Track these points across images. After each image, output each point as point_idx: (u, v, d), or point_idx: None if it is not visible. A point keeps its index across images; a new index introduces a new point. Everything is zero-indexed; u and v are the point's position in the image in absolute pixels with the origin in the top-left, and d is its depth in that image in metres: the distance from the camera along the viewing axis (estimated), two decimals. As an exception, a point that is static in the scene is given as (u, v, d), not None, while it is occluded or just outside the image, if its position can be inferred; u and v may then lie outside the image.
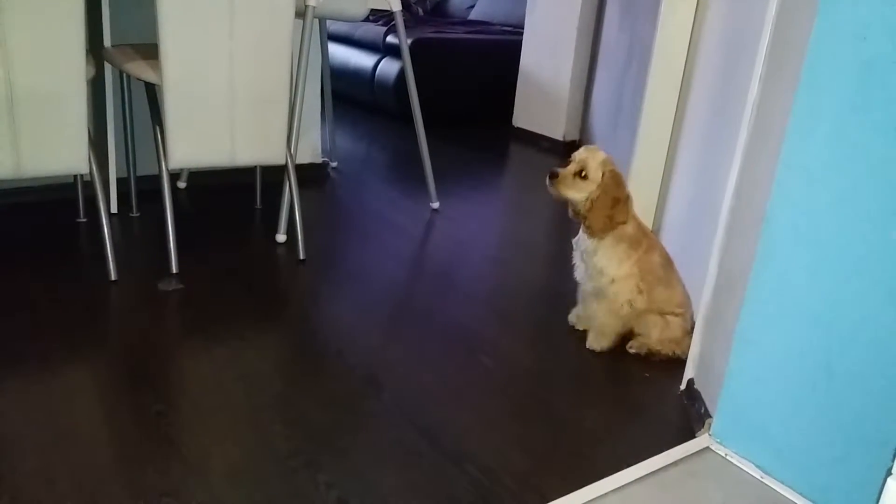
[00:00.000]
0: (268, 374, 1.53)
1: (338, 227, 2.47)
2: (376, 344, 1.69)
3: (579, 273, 1.71)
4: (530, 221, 2.72)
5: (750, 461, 1.30)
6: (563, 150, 3.73)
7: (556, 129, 3.80)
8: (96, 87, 2.16)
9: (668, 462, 1.31)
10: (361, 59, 4.16)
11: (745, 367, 1.29)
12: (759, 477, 1.28)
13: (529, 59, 3.90)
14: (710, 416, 1.38)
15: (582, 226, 1.65)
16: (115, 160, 2.29)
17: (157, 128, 1.90)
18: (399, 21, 2.49)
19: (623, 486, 1.24)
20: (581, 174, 1.59)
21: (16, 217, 2.20)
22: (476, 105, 4.24)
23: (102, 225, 1.83)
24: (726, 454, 1.34)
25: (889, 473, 0.96)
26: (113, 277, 1.84)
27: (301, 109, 2.20)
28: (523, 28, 3.93)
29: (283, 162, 2.08)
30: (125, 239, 2.17)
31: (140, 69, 1.87)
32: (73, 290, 1.79)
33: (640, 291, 1.64)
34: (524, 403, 1.50)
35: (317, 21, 2.58)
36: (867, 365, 1.11)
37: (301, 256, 2.09)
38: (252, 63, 1.91)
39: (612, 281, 1.63)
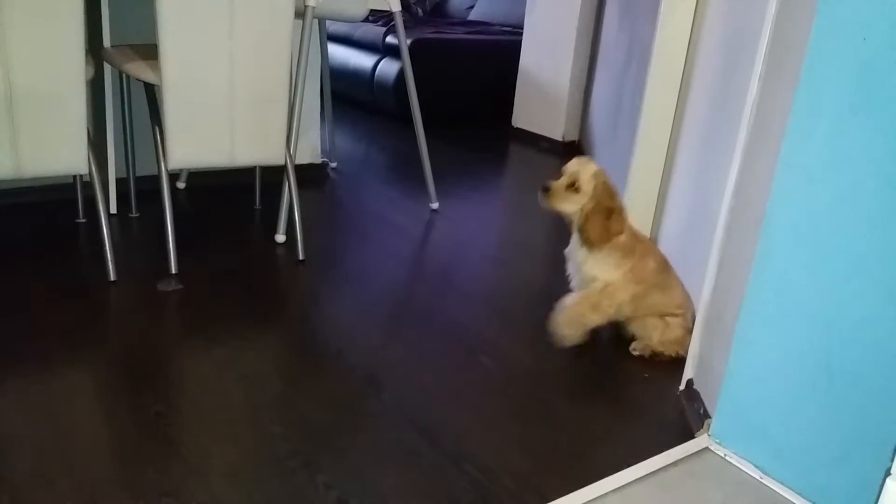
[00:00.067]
0: (267, 374, 1.53)
1: (337, 228, 2.47)
2: (376, 344, 1.69)
3: (574, 283, 1.71)
4: (530, 222, 2.72)
5: (749, 461, 1.30)
6: (563, 150, 3.74)
7: (556, 129, 3.80)
8: (96, 88, 2.16)
9: (668, 462, 1.31)
10: (361, 60, 4.16)
11: (745, 368, 1.29)
12: (758, 477, 1.28)
13: (529, 59, 3.90)
14: (709, 417, 1.38)
15: (575, 236, 1.65)
16: (114, 160, 2.29)
17: (157, 128, 1.90)
18: (398, 21, 2.49)
19: (622, 486, 1.24)
20: (573, 186, 1.59)
21: (15, 217, 2.20)
22: (475, 105, 4.24)
23: (102, 225, 1.83)
24: (725, 454, 1.34)
25: (888, 474, 0.96)
26: (112, 278, 1.84)
27: (300, 110, 2.20)
28: (523, 28, 3.93)
29: (282, 162, 2.08)
30: (124, 239, 2.17)
31: (139, 69, 1.87)
32: (72, 291, 1.79)
33: (631, 300, 1.64)
34: (524, 403, 1.50)
35: (316, 21, 2.58)
36: (867, 365, 1.11)
37: (300, 257, 2.09)
38: (251, 63, 1.91)
39: (605, 285, 1.63)
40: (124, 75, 2.12)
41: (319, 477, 1.21)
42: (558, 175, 1.63)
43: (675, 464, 1.31)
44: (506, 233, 2.64)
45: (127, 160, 2.28)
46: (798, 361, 1.20)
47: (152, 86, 1.89)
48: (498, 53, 4.15)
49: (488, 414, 1.45)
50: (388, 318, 1.83)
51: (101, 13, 2.13)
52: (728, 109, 1.70)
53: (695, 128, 2.04)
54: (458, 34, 4.21)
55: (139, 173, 2.30)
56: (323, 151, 2.96)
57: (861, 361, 1.11)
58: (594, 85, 3.55)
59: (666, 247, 2.14)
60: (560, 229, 1.78)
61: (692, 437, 1.39)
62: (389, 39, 3.96)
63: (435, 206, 2.65)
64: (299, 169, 2.22)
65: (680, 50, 2.17)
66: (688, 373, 1.53)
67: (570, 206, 1.61)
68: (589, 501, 1.20)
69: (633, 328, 1.70)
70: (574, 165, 1.61)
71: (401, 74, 3.73)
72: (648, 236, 2.33)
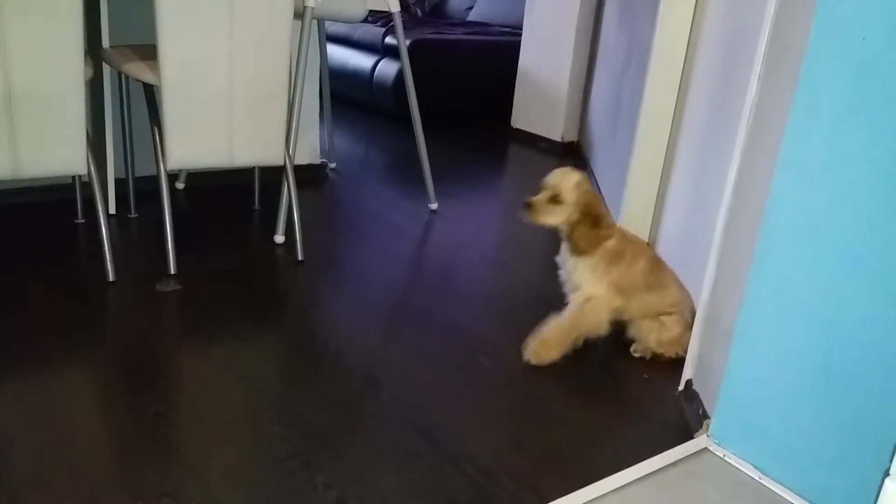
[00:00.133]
0: (266, 374, 1.53)
1: (336, 228, 2.47)
2: (375, 344, 1.69)
3: (568, 288, 1.71)
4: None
5: (748, 462, 1.30)
6: (562, 150, 3.74)
7: (555, 129, 3.80)
8: (95, 88, 2.16)
9: (667, 463, 1.31)
10: (360, 60, 4.16)
11: (744, 368, 1.29)
12: (757, 478, 1.28)
13: (528, 59, 3.91)
14: (708, 417, 1.38)
15: (565, 245, 1.65)
16: (113, 161, 2.29)
17: (156, 128, 1.90)
18: (398, 22, 2.49)
19: (621, 486, 1.24)
20: (555, 199, 1.59)
21: (14, 218, 2.20)
22: (475, 106, 4.24)
23: (101, 226, 1.83)
24: (724, 455, 1.34)
25: (887, 474, 0.96)
26: (111, 278, 1.84)
27: (300, 110, 2.20)
28: (522, 29, 3.93)
29: (281, 163, 2.08)
30: (123, 240, 2.16)
31: (138, 70, 1.87)
32: (71, 291, 1.79)
33: (619, 309, 1.63)
34: (523, 404, 1.50)
35: (315, 22, 2.58)
36: (866, 365, 1.11)
37: (300, 257, 2.09)
38: (251, 64, 1.91)
39: (587, 300, 1.62)
40: (123, 76, 2.12)
41: (318, 477, 1.21)
42: (539, 188, 1.62)
43: (674, 464, 1.31)
44: (505, 233, 2.64)
45: (126, 161, 2.28)
46: (797, 361, 1.20)
47: (151, 86, 1.89)
48: (497, 54, 4.15)
49: (487, 414, 1.45)
50: (387, 318, 1.83)
51: (101, 13, 2.13)
52: (727, 109, 1.70)
53: (694, 128, 2.04)
54: (457, 35, 4.21)
55: (138, 174, 2.30)
56: (322, 152, 2.96)
57: (860, 361, 1.11)
58: (593, 85, 3.55)
59: (665, 247, 2.14)
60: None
61: (691, 437, 1.39)
62: (388, 40, 3.96)
63: (434, 206, 2.65)
64: (298, 169, 2.22)
65: (679, 50, 2.17)
66: (687, 373, 1.53)
67: (554, 219, 1.60)
68: (588, 502, 1.20)
69: (631, 330, 1.70)
70: (554, 178, 1.61)
71: (400, 75, 3.73)
72: (646, 236, 2.33)
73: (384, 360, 1.62)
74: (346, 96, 4.20)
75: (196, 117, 1.89)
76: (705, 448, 1.36)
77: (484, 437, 1.36)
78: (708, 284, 1.47)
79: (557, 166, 1.66)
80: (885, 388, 1.09)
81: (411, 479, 1.23)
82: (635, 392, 1.59)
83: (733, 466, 1.32)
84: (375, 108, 4.13)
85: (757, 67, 1.32)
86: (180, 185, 2.60)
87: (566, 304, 1.67)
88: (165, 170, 1.90)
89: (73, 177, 2.17)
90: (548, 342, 1.62)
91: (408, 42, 3.12)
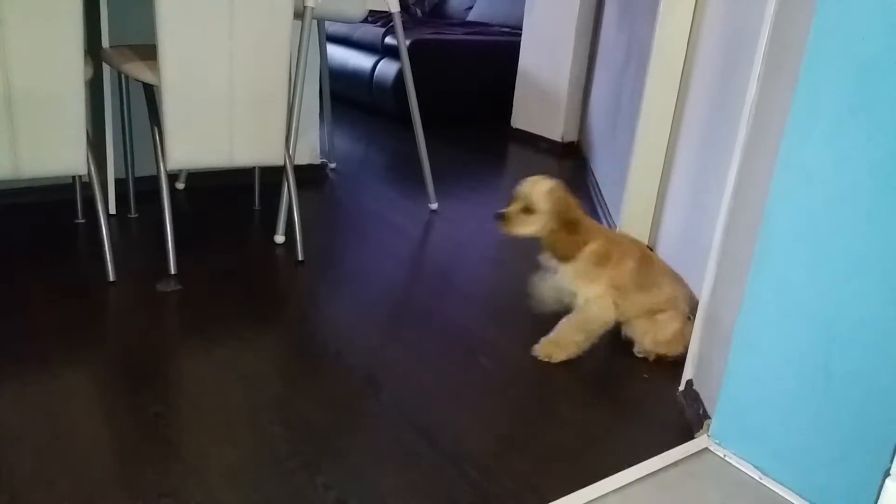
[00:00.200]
0: (266, 374, 1.53)
1: (336, 228, 2.47)
2: (375, 344, 1.69)
3: (563, 295, 1.69)
4: (529, 222, 2.72)
5: (748, 462, 1.30)
6: (562, 150, 3.74)
7: (555, 129, 3.80)
8: (95, 88, 2.16)
9: (668, 463, 1.31)
10: (360, 60, 4.16)
11: (744, 368, 1.29)
12: (757, 478, 1.28)
13: (528, 59, 3.90)
14: (708, 417, 1.38)
15: (546, 254, 1.63)
16: (113, 161, 2.29)
17: (156, 129, 1.90)
18: (397, 22, 2.50)
19: (622, 486, 1.24)
20: (528, 209, 1.56)
21: (14, 218, 2.20)
22: (475, 106, 4.24)
23: (101, 226, 1.83)
24: (725, 455, 1.34)
25: (887, 474, 0.96)
26: (111, 278, 1.84)
27: (300, 110, 2.20)
28: (522, 29, 3.93)
29: (281, 163, 2.08)
30: (123, 240, 2.16)
31: (138, 70, 1.87)
32: (71, 291, 1.79)
33: (616, 307, 1.63)
34: (523, 404, 1.50)
35: (315, 22, 2.58)
36: (866, 365, 1.11)
37: (300, 257, 2.09)
38: (251, 64, 1.91)
39: (587, 301, 1.61)
40: (123, 76, 2.12)
41: (318, 477, 1.21)
42: (511, 199, 1.59)
43: (674, 464, 1.31)
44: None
45: (126, 161, 2.28)
46: (797, 362, 1.20)
47: (151, 86, 1.89)
48: (497, 54, 4.15)
49: (487, 414, 1.45)
50: (387, 318, 1.83)
51: (100, 13, 2.13)
52: (727, 109, 1.70)
53: (694, 128, 2.04)
54: (456, 35, 4.21)
55: (138, 174, 2.30)
56: (322, 152, 2.96)
57: (860, 362, 1.11)
58: (593, 85, 3.55)
59: (665, 247, 2.14)
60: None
61: (692, 437, 1.39)
62: (388, 40, 3.96)
63: (434, 206, 2.65)
64: (298, 169, 2.22)
65: (679, 50, 2.17)
66: (687, 373, 1.53)
67: (529, 228, 1.57)
68: (589, 502, 1.20)
69: (626, 331, 1.69)
70: (525, 187, 1.58)
71: (400, 75, 3.73)
72: (646, 237, 2.33)
73: (384, 360, 1.62)
74: (345, 96, 4.20)
75: (196, 117, 1.89)
76: (706, 448, 1.36)
77: (484, 437, 1.36)
78: (708, 285, 1.47)
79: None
80: (885, 389, 1.09)
81: (411, 479, 1.23)
82: (636, 392, 1.59)
83: (734, 466, 1.32)
84: (375, 108, 4.13)
85: (757, 67, 1.32)
86: (180, 185, 2.60)
87: (552, 308, 1.68)
88: (165, 170, 1.90)
89: (74, 177, 2.17)
90: (558, 343, 1.63)
91: (408, 42, 3.12)
